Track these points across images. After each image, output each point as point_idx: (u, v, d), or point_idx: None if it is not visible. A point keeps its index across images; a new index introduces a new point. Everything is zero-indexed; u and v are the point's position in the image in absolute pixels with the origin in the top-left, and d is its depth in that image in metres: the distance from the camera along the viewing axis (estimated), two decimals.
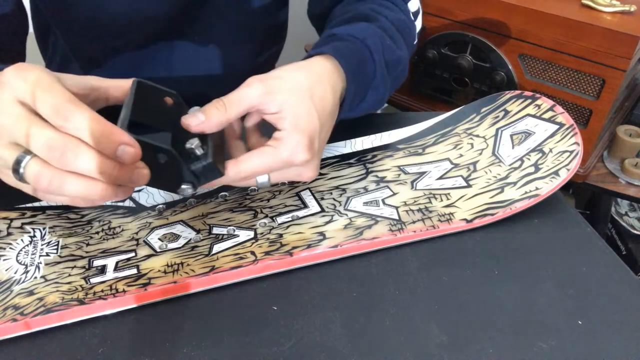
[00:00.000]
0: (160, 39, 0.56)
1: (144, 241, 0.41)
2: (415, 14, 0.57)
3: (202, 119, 0.37)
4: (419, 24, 0.57)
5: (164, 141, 0.34)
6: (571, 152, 0.45)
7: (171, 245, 0.41)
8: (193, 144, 0.35)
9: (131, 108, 0.34)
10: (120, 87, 0.37)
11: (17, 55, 0.53)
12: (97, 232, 0.42)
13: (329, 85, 0.41)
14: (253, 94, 0.38)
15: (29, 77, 0.31)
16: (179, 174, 0.36)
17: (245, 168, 0.38)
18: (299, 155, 0.37)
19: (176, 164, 0.35)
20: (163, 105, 0.38)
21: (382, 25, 0.49)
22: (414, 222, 0.42)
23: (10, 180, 0.34)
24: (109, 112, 0.36)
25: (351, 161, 0.50)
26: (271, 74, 0.40)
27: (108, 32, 0.53)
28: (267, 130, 0.41)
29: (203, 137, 0.37)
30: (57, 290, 0.37)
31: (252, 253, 0.40)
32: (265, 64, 0.66)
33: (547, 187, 0.43)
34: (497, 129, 0.50)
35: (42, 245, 0.41)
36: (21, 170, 0.31)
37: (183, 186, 0.36)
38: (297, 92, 0.39)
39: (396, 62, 0.50)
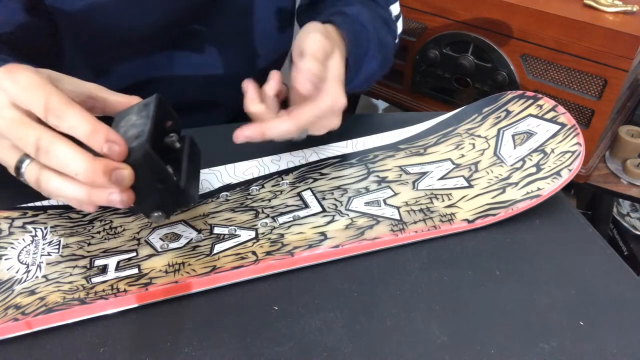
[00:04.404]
0: (167, 46, 0.56)
1: (145, 241, 0.41)
2: (397, 17, 0.61)
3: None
4: (399, 26, 0.62)
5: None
6: (573, 152, 0.45)
7: (172, 245, 0.41)
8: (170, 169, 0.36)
9: (153, 121, 0.35)
10: (119, 103, 0.38)
11: (50, 60, 0.53)
12: (99, 232, 0.42)
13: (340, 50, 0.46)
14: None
15: (20, 80, 0.32)
16: (160, 201, 0.37)
17: (304, 119, 0.42)
18: (340, 100, 0.43)
19: (166, 192, 0.36)
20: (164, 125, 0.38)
21: (371, 12, 0.54)
22: (415, 222, 0.42)
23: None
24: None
25: (352, 161, 0.50)
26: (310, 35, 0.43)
27: (118, 43, 0.53)
28: None
29: (177, 164, 0.37)
30: (59, 290, 0.37)
31: (254, 253, 0.40)
32: (271, 66, 0.66)
33: (548, 187, 0.43)
34: (499, 129, 0.50)
35: (43, 244, 0.41)
36: (22, 171, 0.33)
37: (155, 214, 0.37)
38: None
39: (385, 44, 0.54)
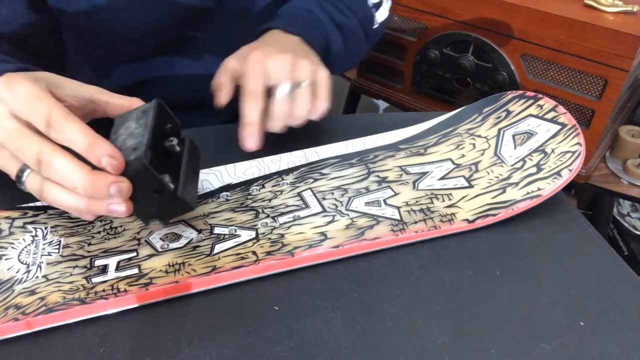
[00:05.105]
0: (168, 46, 0.56)
1: (146, 241, 0.41)
2: (376, 5, 0.60)
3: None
4: (382, 13, 0.61)
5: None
6: (573, 152, 0.45)
7: (172, 245, 0.41)
8: (165, 178, 0.37)
9: (151, 131, 0.35)
10: (119, 106, 0.38)
11: (54, 58, 0.54)
12: (99, 232, 0.42)
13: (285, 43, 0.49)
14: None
15: (19, 92, 0.32)
16: (157, 209, 0.38)
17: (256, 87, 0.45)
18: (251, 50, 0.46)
19: (163, 201, 0.37)
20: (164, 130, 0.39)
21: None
22: (415, 222, 0.42)
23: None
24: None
25: (353, 161, 0.50)
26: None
27: (120, 42, 0.53)
28: None
29: (176, 168, 0.38)
30: (59, 290, 0.37)
31: (254, 253, 0.40)
32: None
33: (549, 187, 0.43)
34: (499, 129, 0.50)
35: (43, 244, 0.41)
36: (23, 180, 0.34)
37: (153, 221, 0.38)
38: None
39: (344, 25, 0.55)
